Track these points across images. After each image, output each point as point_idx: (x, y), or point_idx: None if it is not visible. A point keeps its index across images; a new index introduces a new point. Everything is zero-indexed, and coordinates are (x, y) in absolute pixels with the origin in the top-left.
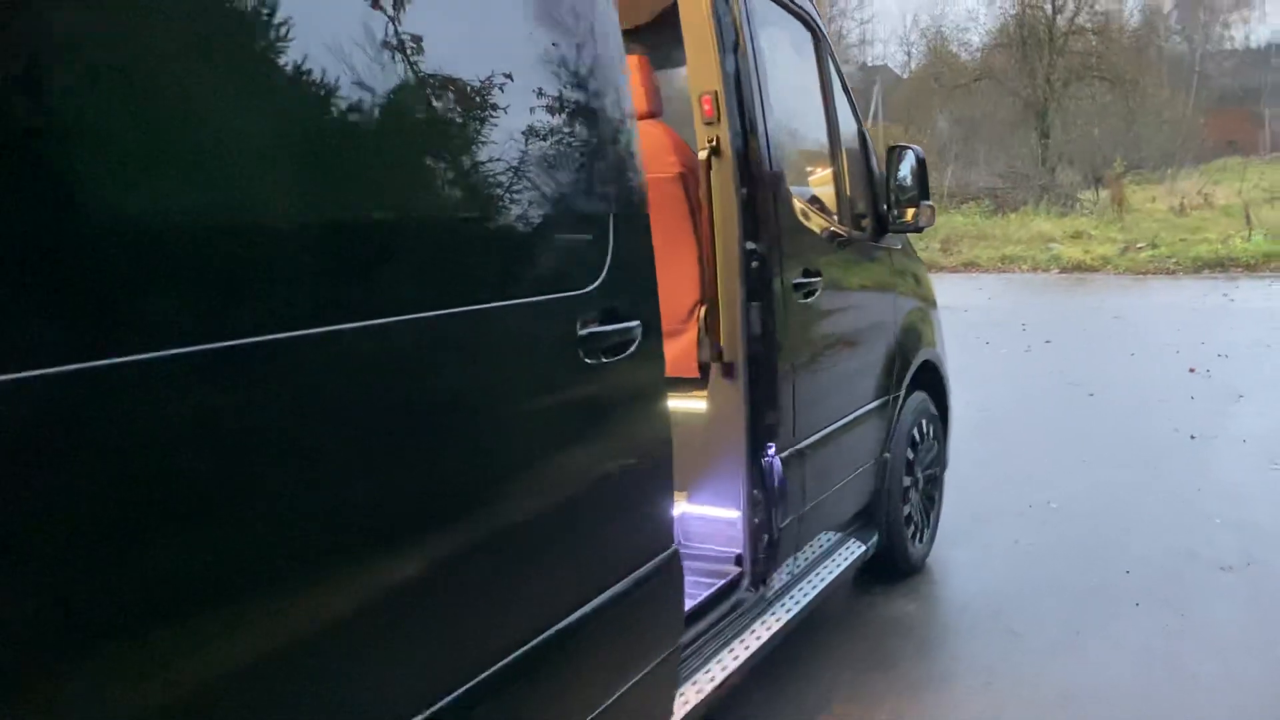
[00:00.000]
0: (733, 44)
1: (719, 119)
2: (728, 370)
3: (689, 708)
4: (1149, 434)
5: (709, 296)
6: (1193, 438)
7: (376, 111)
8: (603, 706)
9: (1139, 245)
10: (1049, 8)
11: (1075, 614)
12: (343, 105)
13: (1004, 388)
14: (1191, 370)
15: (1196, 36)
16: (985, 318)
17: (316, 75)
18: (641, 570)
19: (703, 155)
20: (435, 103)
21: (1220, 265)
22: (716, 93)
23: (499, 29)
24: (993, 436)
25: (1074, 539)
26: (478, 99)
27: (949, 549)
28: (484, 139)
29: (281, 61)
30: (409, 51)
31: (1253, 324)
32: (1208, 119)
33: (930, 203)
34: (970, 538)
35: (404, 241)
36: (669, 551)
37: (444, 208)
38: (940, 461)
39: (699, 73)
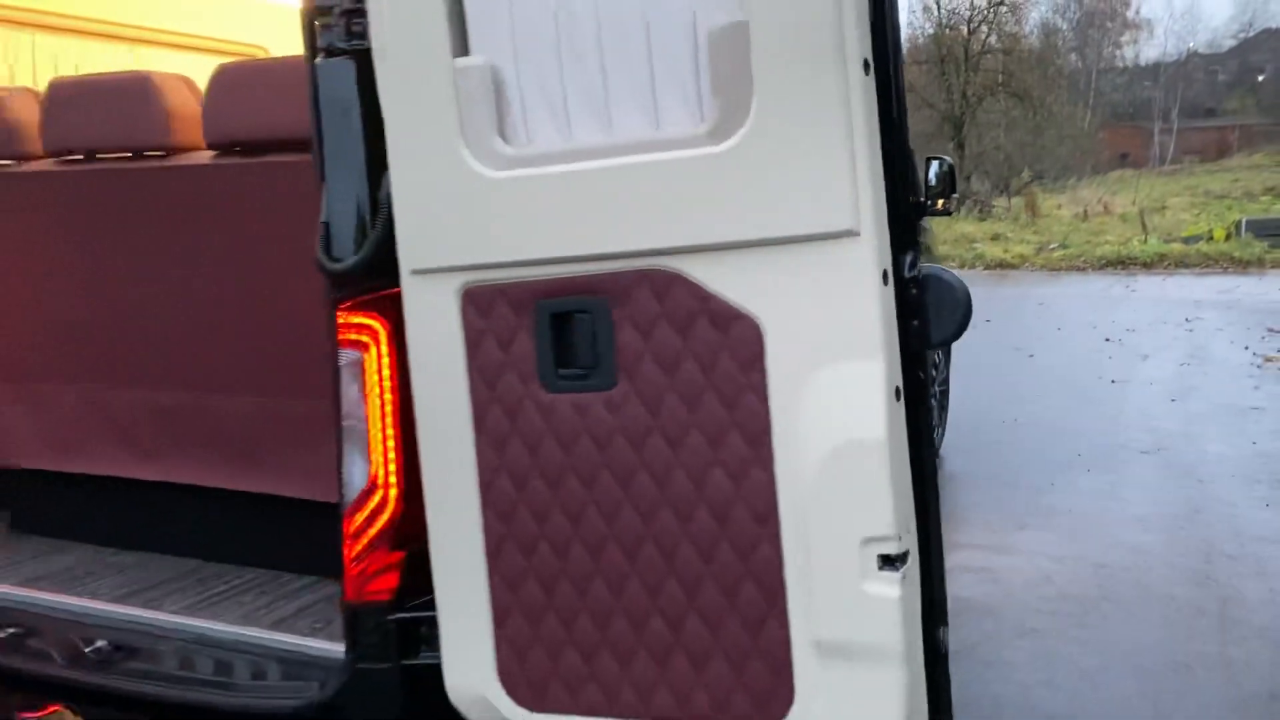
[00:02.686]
0: None
1: None
2: None
3: None
4: (1080, 380)
5: None
6: (1113, 382)
7: None
8: None
9: (1052, 246)
10: (965, 29)
11: (1049, 476)
12: None
13: (960, 353)
14: (1107, 339)
15: (1090, 54)
16: None
17: None
18: None
19: None
20: None
21: (1122, 263)
22: None
23: None
24: (962, 381)
25: (1038, 438)
26: None
27: (953, 447)
28: None
29: None
30: None
31: (1152, 308)
32: (1104, 133)
33: (956, 194)
34: (966, 439)
35: None
36: None
37: None
38: (946, 381)
39: None
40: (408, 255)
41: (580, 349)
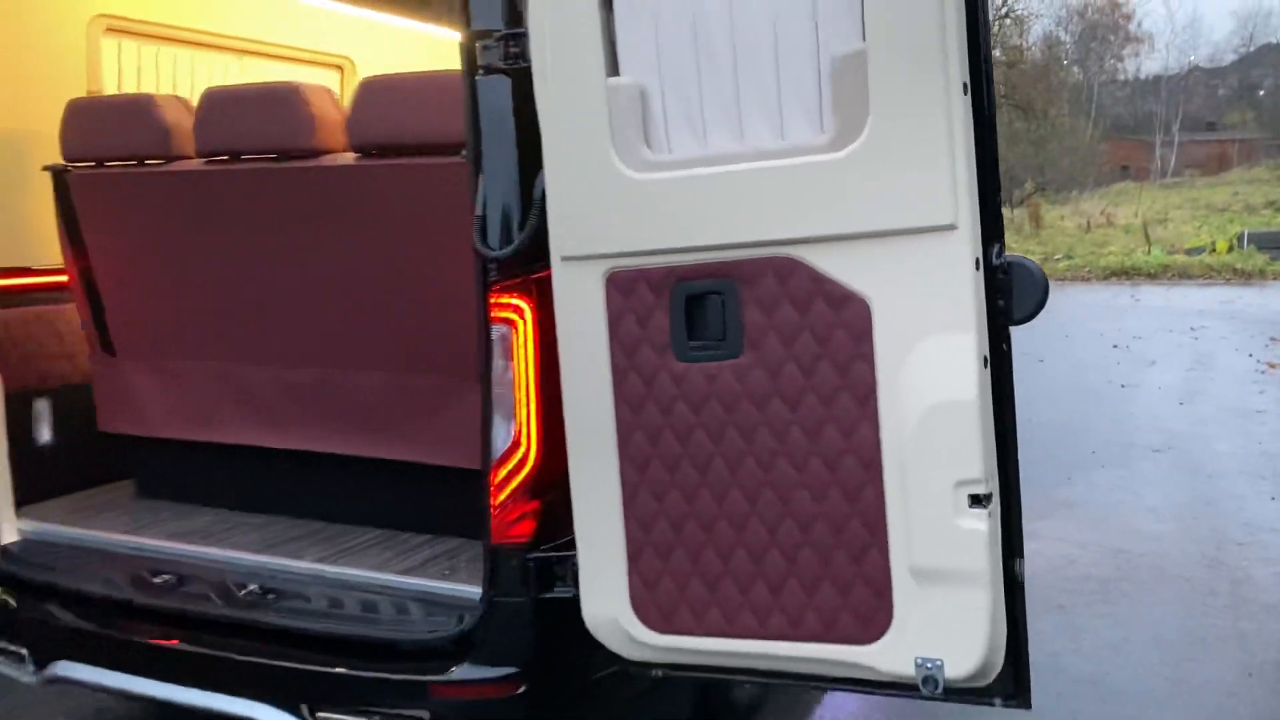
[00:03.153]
0: None
1: None
2: None
3: None
4: (1090, 384)
5: None
6: (1123, 386)
7: None
8: None
9: (1057, 256)
10: None
11: (1065, 471)
12: None
13: None
14: (1115, 346)
15: (1092, 67)
16: None
17: None
18: None
19: None
20: None
21: (1125, 274)
22: None
23: None
24: None
25: (1054, 437)
26: None
27: None
28: None
29: None
30: None
31: (1157, 317)
32: (1105, 146)
33: None
34: None
35: None
36: None
37: None
38: None
39: None
40: (559, 244)
41: (711, 324)
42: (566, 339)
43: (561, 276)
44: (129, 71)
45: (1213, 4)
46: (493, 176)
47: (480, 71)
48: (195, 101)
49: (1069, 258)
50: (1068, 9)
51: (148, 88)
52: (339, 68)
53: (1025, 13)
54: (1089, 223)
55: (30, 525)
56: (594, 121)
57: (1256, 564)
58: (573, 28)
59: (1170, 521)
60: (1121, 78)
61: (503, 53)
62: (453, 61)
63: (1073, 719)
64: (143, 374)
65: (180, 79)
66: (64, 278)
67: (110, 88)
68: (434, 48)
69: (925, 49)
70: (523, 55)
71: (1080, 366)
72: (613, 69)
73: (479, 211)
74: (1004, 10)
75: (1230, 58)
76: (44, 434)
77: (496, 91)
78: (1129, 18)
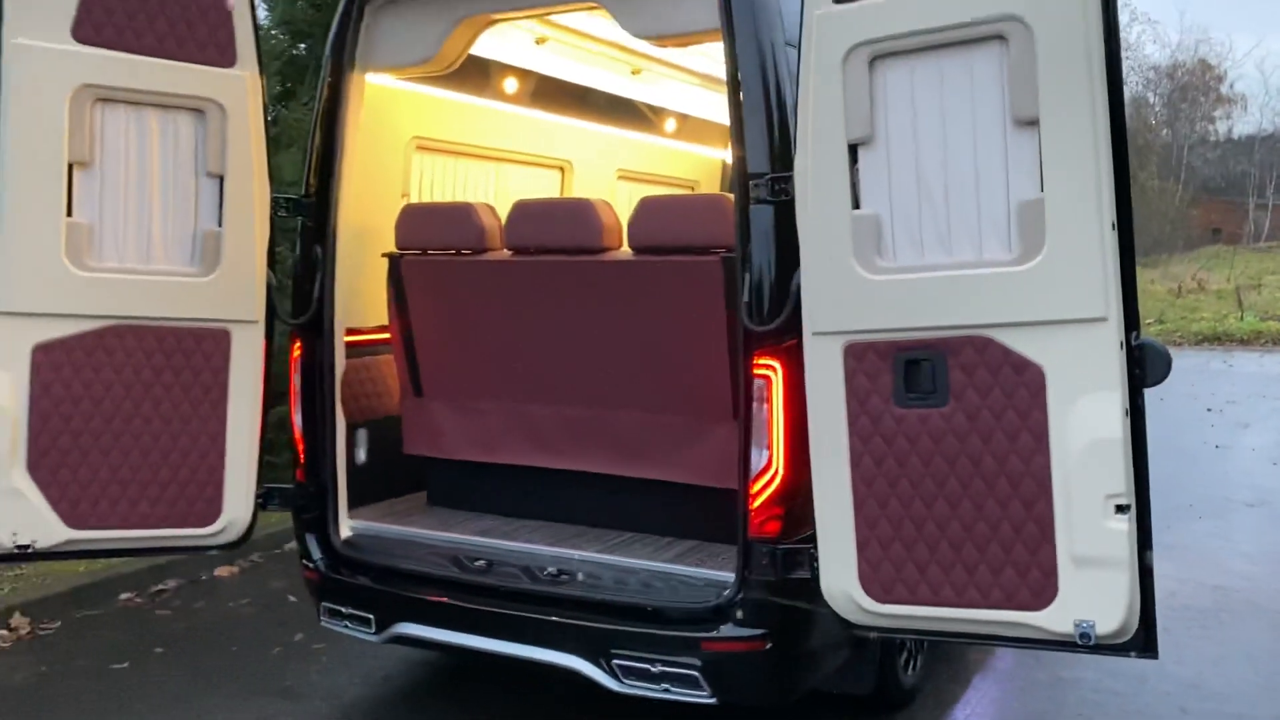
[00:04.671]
0: None
1: None
2: None
3: None
4: (1186, 445)
5: None
6: (1217, 447)
7: None
8: None
9: (1147, 321)
10: None
11: (1165, 521)
12: None
13: None
14: (1209, 410)
15: (1182, 128)
16: None
17: None
18: None
19: None
20: None
21: (1218, 339)
22: None
23: None
24: None
25: (1152, 492)
26: None
27: None
28: None
29: None
30: None
31: (1250, 382)
32: (1196, 209)
33: None
34: None
35: None
36: None
37: None
38: None
39: None
40: (811, 322)
41: (923, 382)
42: (814, 390)
43: (812, 346)
44: (425, 178)
45: None
46: (756, 274)
47: (753, 202)
48: (465, 196)
49: (1160, 322)
50: (1156, 71)
51: (438, 188)
52: (561, 169)
53: None
54: (1180, 287)
55: (360, 524)
56: (840, 239)
57: None
58: (828, 174)
59: (1263, 564)
60: (1212, 139)
61: (769, 189)
62: (651, 159)
63: (1180, 712)
64: (444, 410)
65: (456, 180)
66: (385, 335)
67: (414, 192)
68: (634, 149)
69: (1085, 201)
70: (784, 191)
71: (1176, 428)
72: (855, 202)
73: (745, 298)
74: None
75: None
76: (361, 455)
77: (763, 216)
78: (1220, 79)
